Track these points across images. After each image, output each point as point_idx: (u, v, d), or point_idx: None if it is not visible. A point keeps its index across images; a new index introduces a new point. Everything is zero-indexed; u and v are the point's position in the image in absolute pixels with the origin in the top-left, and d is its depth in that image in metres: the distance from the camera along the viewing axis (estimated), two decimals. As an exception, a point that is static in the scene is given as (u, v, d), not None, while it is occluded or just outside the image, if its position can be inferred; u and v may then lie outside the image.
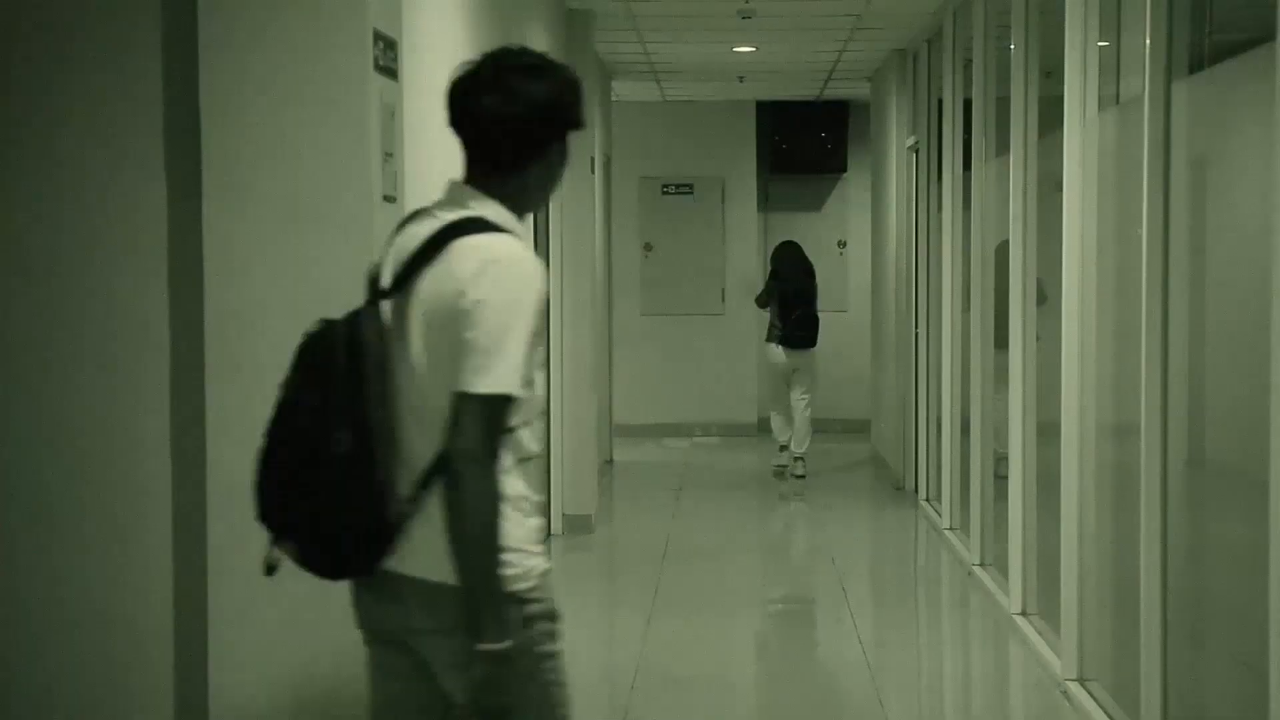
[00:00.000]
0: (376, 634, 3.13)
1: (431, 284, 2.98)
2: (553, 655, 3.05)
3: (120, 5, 3.98)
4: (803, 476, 12.64)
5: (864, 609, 8.24)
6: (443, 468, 2.92)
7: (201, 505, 4.04)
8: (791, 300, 12.80)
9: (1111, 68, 6.16)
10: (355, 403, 2.96)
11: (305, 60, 3.99)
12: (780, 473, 12.81)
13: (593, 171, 10.94)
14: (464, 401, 2.90)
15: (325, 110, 3.99)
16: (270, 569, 3.05)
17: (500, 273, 2.93)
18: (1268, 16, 4.14)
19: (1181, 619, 5.09)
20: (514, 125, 3.01)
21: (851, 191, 16.10)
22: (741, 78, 14.00)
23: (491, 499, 2.90)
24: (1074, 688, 6.25)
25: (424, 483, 2.97)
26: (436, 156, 5.90)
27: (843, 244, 16.22)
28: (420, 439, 2.98)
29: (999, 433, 8.18)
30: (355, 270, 4.00)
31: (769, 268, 13.55)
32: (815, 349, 12.83)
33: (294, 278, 4.00)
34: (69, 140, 3.99)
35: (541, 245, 9.80)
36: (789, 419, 12.82)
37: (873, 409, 14.32)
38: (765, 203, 16.29)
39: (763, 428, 15.22)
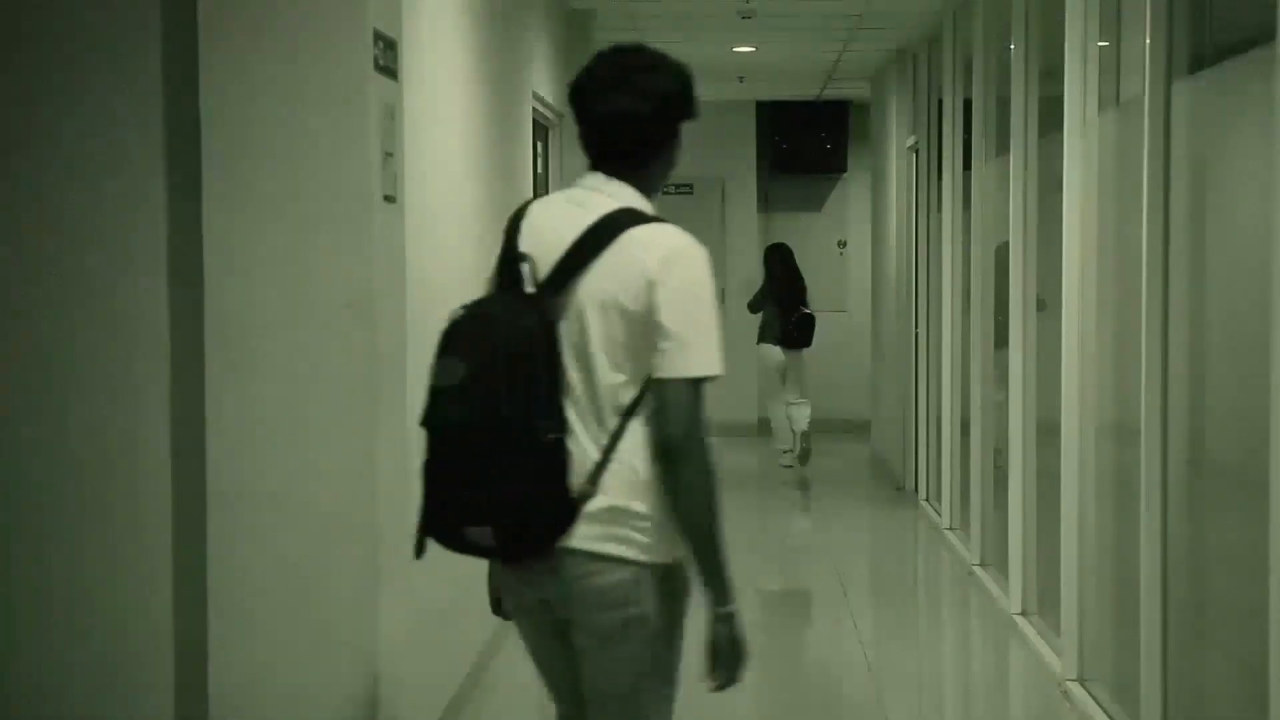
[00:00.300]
0: (529, 607, 3.28)
1: (609, 275, 3.13)
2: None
3: (120, 5, 3.98)
4: (791, 467, 12.88)
5: (864, 609, 8.24)
6: (659, 454, 3.10)
7: (201, 505, 4.04)
8: (789, 301, 13.01)
9: (1111, 68, 6.16)
10: (555, 390, 3.11)
11: (305, 60, 3.99)
12: (793, 462, 13.07)
13: (593, 171, 10.93)
14: (671, 386, 3.08)
15: (325, 110, 3.99)
16: (421, 552, 3.18)
17: (685, 262, 3.11)
18: (1268, 16, 4.14)
19: (1181, 619, 5.09)
20: (646, 121, 3.21)
21: (851, 191, 16.10)
22: (741, 78, 14.00)
23: (711, 474, 3.11)
24: (1074, 688, 6.25)
25: (601, 464, 3.13)
26: (437, 156, 5.91)
27: (843, 244, 16.22)
28: (589, 421, 3.15)
29: (999, 425, 8.18)
30: (355, 270, 4.01)
31: (765, 270, 13.61)
32: (809, 348, 13.17)
33: (294, 278, 4.00)
34: (69, 140, 3.99)
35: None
36: (786, 416, 13.09)
37: (873, 409, 14.32)
38: (765, 203, 16.28)
39: (763, 429, 15.22)
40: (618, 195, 3.19)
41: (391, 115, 4.19)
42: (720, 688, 3.26)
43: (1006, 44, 7.88)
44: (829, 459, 13.85)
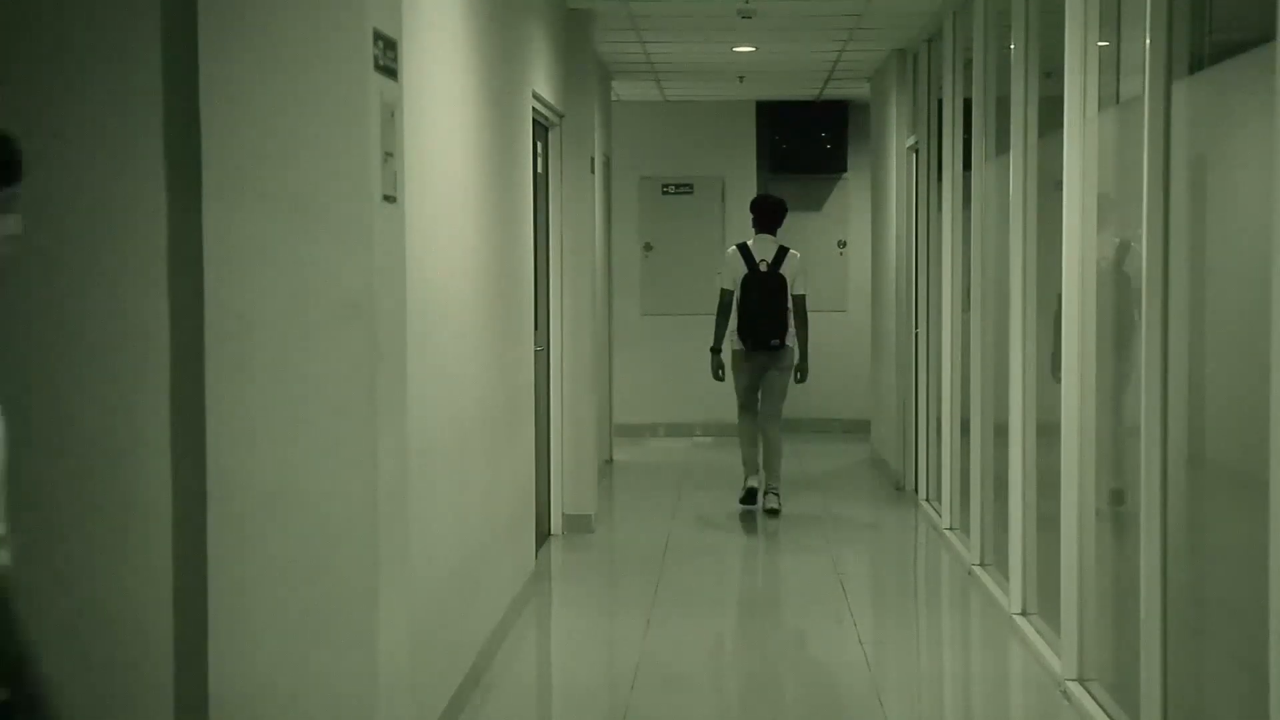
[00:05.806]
0: (754, 366, 10.93)
1: (789, 264, 10.84)
2: None
3: (120, 5, 3.98)
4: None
5: (864, 609, 8.24)
6: (798, 316, 10.89)
7: (201, 505, 4.04)
8: None
9: (1111, 68, 6.16)
10: (786, 298, 10.84)
11: (305, 60, 3.99)
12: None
13: (593, 171, 10.94)
14: (802, 298, 10.86)
15: (325, 110, 3.99)
16: (752, 347, 10.95)
17: (805, 261, 10.95)
18: (1268, 16, 4.15)
19: (1181, 619, 5.09)
20: (783, 217, 11.07)
21: (851, 191, 16.10)
22: (741, 78, 14.00)
23: (807, 325, 11.02)
24: (1074, 688, 6.25)
25: (789, 323, 10.96)
26: (437, 156, 5.90)
27: (843, 244, 16.22)
28: (785, 306, 10.81)
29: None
30: (355, 270, 4.01)
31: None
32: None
33: (294, 278, 4.00)
34: (69, 140, 3.99)
35: (542, 244, 9.79)
36: None
37: (873, 409, 14.32)
38: (765, 203, 16.27)
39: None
40: (777, 239, 10.91)
41: (391, 115, 4.19)
42: (802, 382, 11.04)
43: (1006, 44, 7.88)
44: (829, 459, 13.85)
